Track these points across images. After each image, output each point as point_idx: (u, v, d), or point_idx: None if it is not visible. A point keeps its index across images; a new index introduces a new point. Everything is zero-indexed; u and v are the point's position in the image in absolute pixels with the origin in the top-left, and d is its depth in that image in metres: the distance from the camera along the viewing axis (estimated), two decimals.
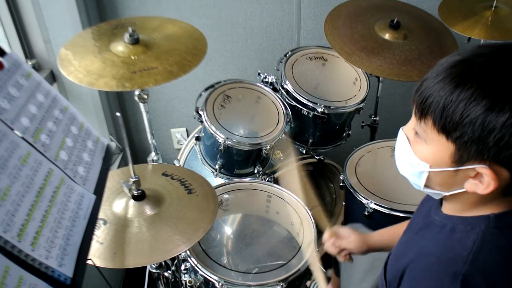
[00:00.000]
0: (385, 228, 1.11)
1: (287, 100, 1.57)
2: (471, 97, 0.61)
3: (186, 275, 1.20)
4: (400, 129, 0.78)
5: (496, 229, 0.69)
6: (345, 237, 1.10)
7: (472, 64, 0.63)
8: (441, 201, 0.81)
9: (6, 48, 0.73)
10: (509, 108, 0.59)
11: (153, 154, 1.52)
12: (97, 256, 0.90)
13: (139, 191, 1.01)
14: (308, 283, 1.26)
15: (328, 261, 1.31)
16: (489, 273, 0.67)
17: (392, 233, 1.07)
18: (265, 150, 1.44)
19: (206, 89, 1.48)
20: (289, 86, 1.55)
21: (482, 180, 0.65)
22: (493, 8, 1.49)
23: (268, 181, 1.50)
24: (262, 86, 1.57)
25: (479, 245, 0.67)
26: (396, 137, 0.79)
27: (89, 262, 0.77)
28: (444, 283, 0.68)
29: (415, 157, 0.72)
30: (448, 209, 0.78)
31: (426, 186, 0.74)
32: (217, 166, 1.51)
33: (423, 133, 0.70)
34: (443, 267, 0.69)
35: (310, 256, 1.16)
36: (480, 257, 0.67)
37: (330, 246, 1.11)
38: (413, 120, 0.73)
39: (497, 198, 0.69)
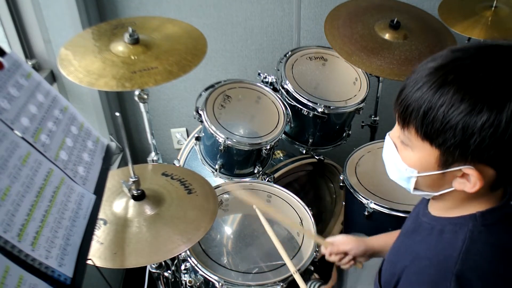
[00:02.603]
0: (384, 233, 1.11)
1: (287, 100, 1.57)
2: (450, 103, 0.62)
3: (186, 275, 1.20)
4: (387, 134, 0.78)
5: (484, 226, 0.70)
6: (341, 242, 1.10)
7: (448, 70, 0.64)
8: (428, 202, 0.81)
9: (6, 48, 0.73)
10: (486, 108, 0.60)
11: (153, 154, 1.52)
12: (97, 256, 0.90)
13: (139, 191, 1.01)
14: (308, 284, 1.26)
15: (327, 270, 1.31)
16: (481, 271, 0.68)
17: (390, 236, 1.07)
18: (265, 150, 1.44)
19: (206, 89, 1.48)
20: (289, 86, 1.55)
21: (469, 179, 0.67)
22: (493, 8, 1.49)
23: (268, 181, 1.50)
24: (262, 86, 1.57)
25: (468, 245, 0.69)
26: None
27: (89, 262, 0.77)
28: (438, 285, 0.69)
29: (403, 163, 0.74)
30: (435, 209, 0.79)
31: (415, 188, 0.75)
32: (217, 166, 1.51)
33: (408, 141, 0.71)
34: (436, 269, 0.70)
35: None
36: (470, 256, 0.68)
37: (330, 256, 1.11)
38: (397, 127, 0.74)
39: (485, 194, 0.70)
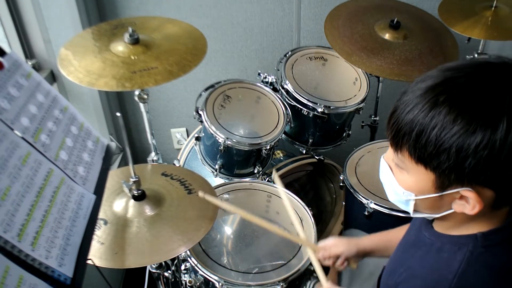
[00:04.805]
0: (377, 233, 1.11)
1: (287, 100, 1.57)
2: (442, 125, 0.60)
3: (186, 275, 1.20)
4: (381, 157, 0.77)
5: (484, 248, 0.68)
6: (332, 245, 1.09)
7: (440, 91, 0.62)
8: None
9: (6, 48, 0.73)
10: (480, 129, 0.58)
11: (153, 154, 1.52)
12: (97, 256, 0.90)
13: (139, 191, 1.01)
14: (308, 283, 1.26)
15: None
16: None
17: (382, 236, 1.07)
18: (265, 150, 1.44)
19: (206, 89, 1.48)
20: (289, 86, 1.55)
21: (468, 201, 0.65)
22: (493, 8, 1.49)
23: (268, 181, 1.50)
24: (262, 86, 1.56)
25: (464, 267, 0.67)
26: None
27: (89, 262, 0.77)
28: None
29: (400, 186, 0.73)
30: (438, 226, 0.78)
31: (415, 211, 0.74)
32: (217, 166, 1.51)
33: (402, 164, 0.70)
34: None
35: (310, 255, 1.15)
36: (465, 280, 0.67)
37: (323, 260, 1.10)
38: (391, 150, 0.73)
39: (487, 213, 0.68)
